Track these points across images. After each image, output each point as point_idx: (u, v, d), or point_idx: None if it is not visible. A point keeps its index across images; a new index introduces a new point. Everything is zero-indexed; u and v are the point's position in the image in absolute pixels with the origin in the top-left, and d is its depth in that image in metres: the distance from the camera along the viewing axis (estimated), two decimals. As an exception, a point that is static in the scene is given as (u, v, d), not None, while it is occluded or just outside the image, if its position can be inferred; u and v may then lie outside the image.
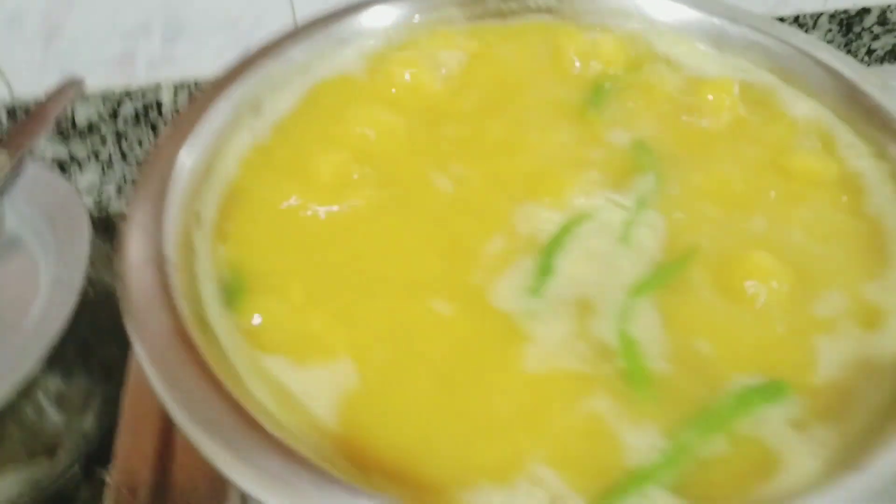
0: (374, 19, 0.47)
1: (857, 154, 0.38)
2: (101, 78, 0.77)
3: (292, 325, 0.32)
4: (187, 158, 0.36)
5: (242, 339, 0.31)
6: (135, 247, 0.32)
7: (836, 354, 0.31)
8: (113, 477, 0.45)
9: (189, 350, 0.29)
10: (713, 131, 0.41)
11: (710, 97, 0.42)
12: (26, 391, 0.50)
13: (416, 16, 0.47)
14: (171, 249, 0.32)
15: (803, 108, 0.41)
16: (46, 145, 0.81)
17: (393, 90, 0.43)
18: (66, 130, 0.81)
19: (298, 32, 0.44)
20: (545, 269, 0.34)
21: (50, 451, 0.53)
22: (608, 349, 0.31)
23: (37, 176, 0.60)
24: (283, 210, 0.36)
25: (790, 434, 0.29)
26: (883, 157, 0.38)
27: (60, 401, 0.53)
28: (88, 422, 0.55)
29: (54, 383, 0.53)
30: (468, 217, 0.37)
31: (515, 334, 0.32)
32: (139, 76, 0.78)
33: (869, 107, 0.38)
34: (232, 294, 0.33)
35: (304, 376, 0.30)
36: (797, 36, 0.41)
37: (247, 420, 0.26)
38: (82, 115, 0.79)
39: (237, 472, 0.25)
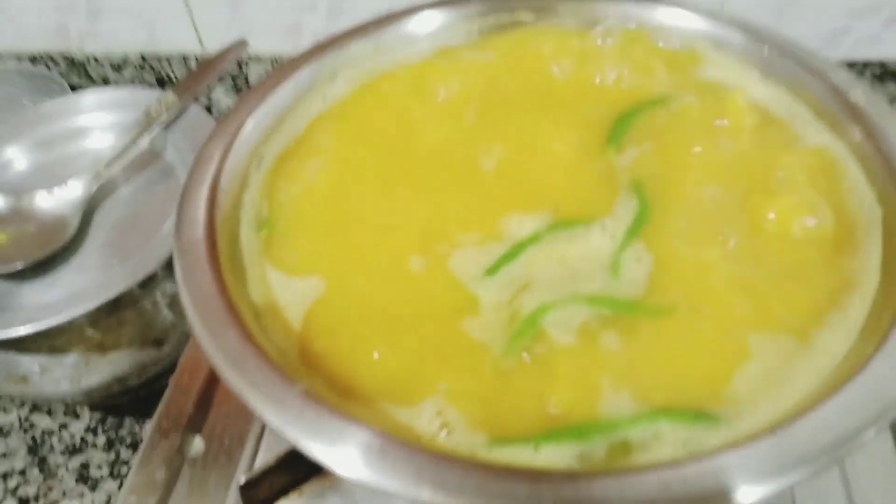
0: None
1: (858, 197, 0.38)
2: (272, 43, 0.89)
3: (294, 250, 0.39)
4: (264, 111, 0.44)
5: (259, 255, 0.39)
6: (199, 172, 0.40)
7: (752, 375, 0.32)
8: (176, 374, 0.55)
9: (212, 255, 0.36)
10: (718, 165, 0.42)
11: (726, 123, 0.43)
12: (147, 288, 0.61)
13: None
14: (227, 180, 0.40)
15: (818, 141, 0.41)
16: (221, 96, 0.95)
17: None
18: (241, 85, 0.94)
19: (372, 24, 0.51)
20: (509, 256, 0.38)
21: (158, 342, 0.65)
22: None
23: (195, 116, 0.72)
24: (316, 168, 0.43)
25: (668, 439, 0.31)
26: (885, 202, 0.37)
27: (173, 303, 0.64)
28: (193, 325, 0.66)
29: (171, 287, 0.63)
30: (463, 205, 0.41)
31: (457, 293, 0.36)
32: (303, 44, 0.89)
33: (883, 150, 0.38)
34: (262, 222, 0.40)
35: (290, 286, 0.37)
36: (838, 73, 0.41)
37: (233, 315, 0.34)
38: (254, 74, 0.92)
39: (212, 350, 0.32)
